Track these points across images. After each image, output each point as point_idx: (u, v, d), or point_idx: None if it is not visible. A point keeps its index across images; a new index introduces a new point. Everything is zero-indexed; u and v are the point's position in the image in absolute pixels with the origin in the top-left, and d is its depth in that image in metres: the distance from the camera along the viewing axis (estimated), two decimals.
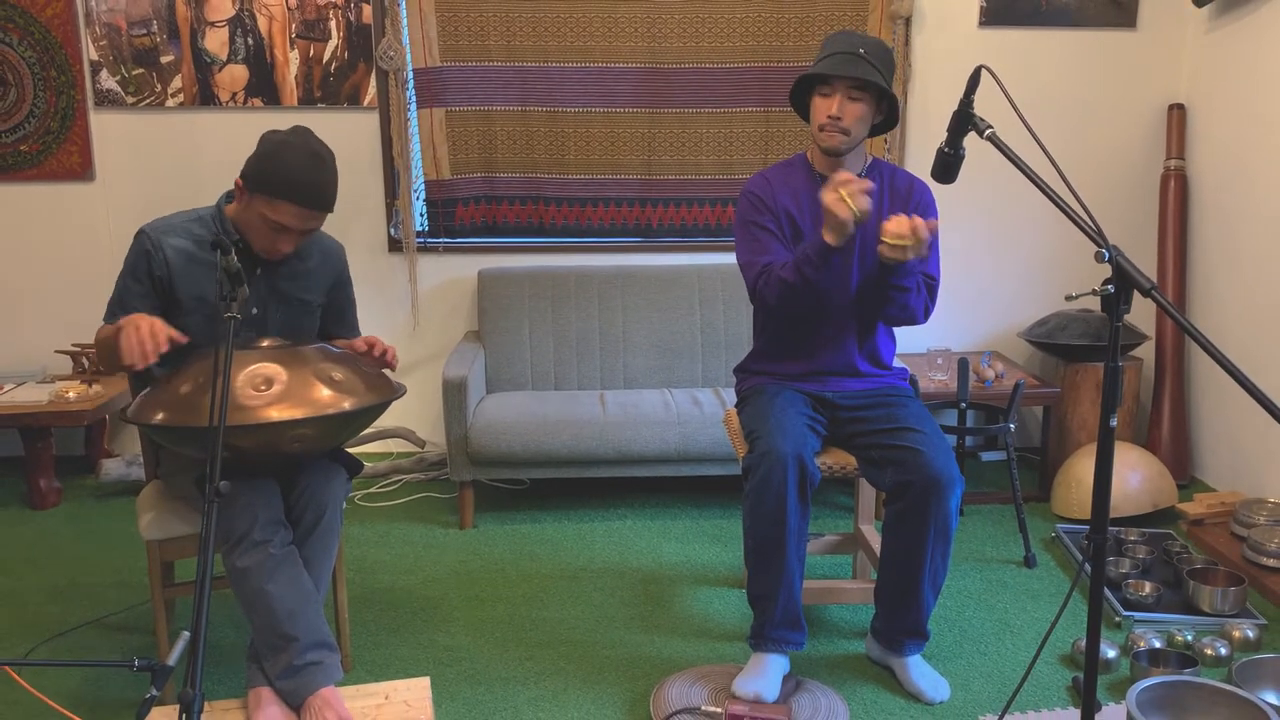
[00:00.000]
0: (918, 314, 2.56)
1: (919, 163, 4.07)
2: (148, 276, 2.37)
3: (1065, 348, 3.84)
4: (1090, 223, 1.78)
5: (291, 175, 2.24)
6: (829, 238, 2.34)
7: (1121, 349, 3.82)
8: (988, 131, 1.98)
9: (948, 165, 2.12)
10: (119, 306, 2.38)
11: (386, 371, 2.57)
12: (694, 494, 3.88)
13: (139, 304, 2.38)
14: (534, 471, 3.54)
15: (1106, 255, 1.75)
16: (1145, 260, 4.18)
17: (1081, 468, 3.62)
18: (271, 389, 2.19)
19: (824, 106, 2.47)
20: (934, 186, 3.89)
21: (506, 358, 3.94)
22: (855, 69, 2.40)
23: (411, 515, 3.69)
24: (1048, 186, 1.88)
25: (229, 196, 2.45)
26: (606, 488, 3.96)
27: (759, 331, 2.76)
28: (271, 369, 2.22)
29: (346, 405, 2.23)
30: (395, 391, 2.38)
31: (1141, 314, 4.19)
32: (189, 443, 2.22)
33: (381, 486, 3.97)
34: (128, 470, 3.85)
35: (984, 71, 2.01)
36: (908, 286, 2.47)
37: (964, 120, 2.04)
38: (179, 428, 2.15)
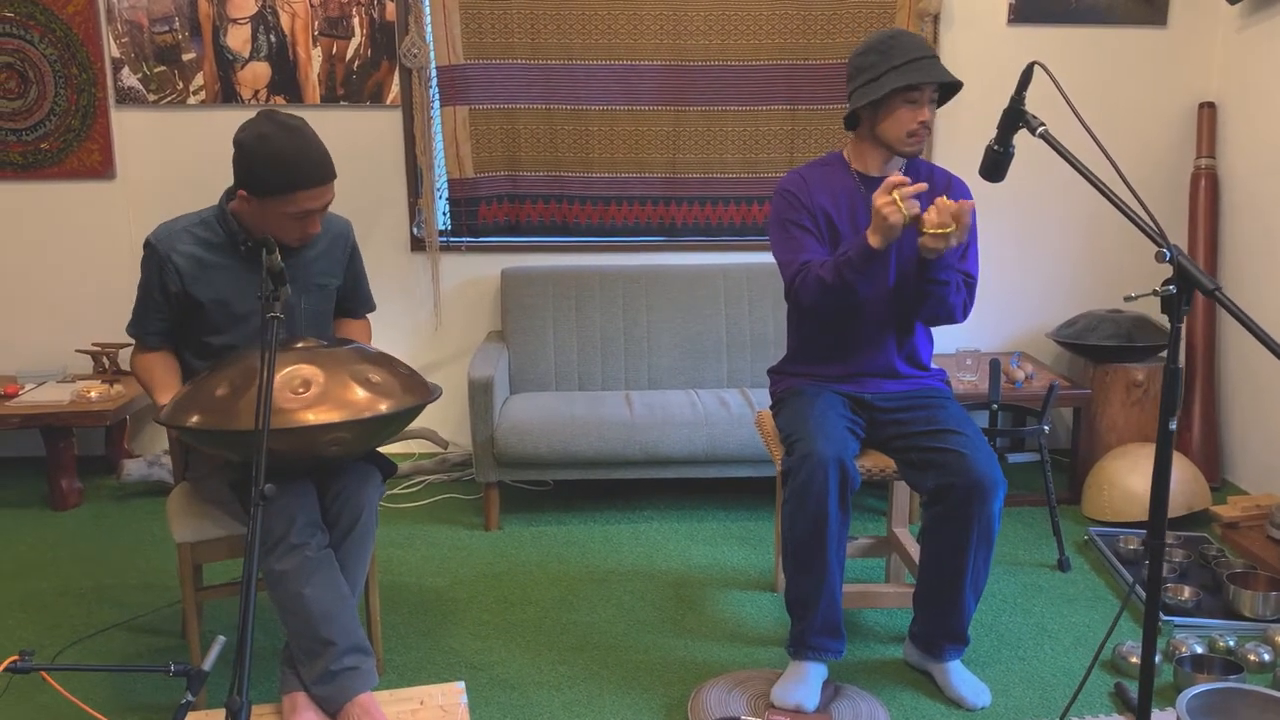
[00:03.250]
0: (956, 312, 2.52)
1: (945, 160, 4.03)
2: (161, 291, 2.37)
3: (1095, 348, 3.79)
4: (1151, 223, 1.75)
5: (289, 165, 2.20)
6: (874, 240, 2.31)
7: (1150, 350, 3.78)
8: (1040, 129, 1.95)
9: (997, 163, 2.09)
10: (140, 325, 2.42)
11: (420, 372, 2.55)
12: (720, 495, 3.85)
13: (157, 320, 2.38)
14: (560, 473, 3.51)
15: (1168, 255, 1.72)
16: None
17: (1113, 469, 3.58)
18: (309, 391, 2.16)
19: (914, 114, 2.42)
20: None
21: (530, 358, 3.90)
22: (945, 73, 2.39)
23: (436, 517, 3.66)
24: (1105, 185, 1.84)
25: (230, 194, 2.39)
26: (631, 489, 3.92)
27: (793, 333, 2.72)
28: (308, 370, 2.20)
29: (383, 407, 2.20)
30: (431, 393, 2.35)
31: None
32: (224, 445, 2.20)
33: (404, 488, 3.94)
34: (149, 471, 3.82)
35: (1037, 68, 1.97)
36: (946, 280, 2.44)
37: (1015, 117, 2.01)
38: (215, 431, 2.12)
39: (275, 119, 2.23)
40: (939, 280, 2.43)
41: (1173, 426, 1.78)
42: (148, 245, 2.35)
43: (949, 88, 2.48)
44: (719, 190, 4.06)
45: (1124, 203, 1.80)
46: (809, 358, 2.67)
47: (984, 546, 2.40)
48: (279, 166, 2.20)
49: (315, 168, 2.23)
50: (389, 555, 3.32)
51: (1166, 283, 1.72)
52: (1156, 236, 1.74)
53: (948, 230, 2.28)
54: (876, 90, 2.38)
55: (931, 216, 2.29)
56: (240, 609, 1.59)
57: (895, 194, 2.24)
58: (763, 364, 3.93)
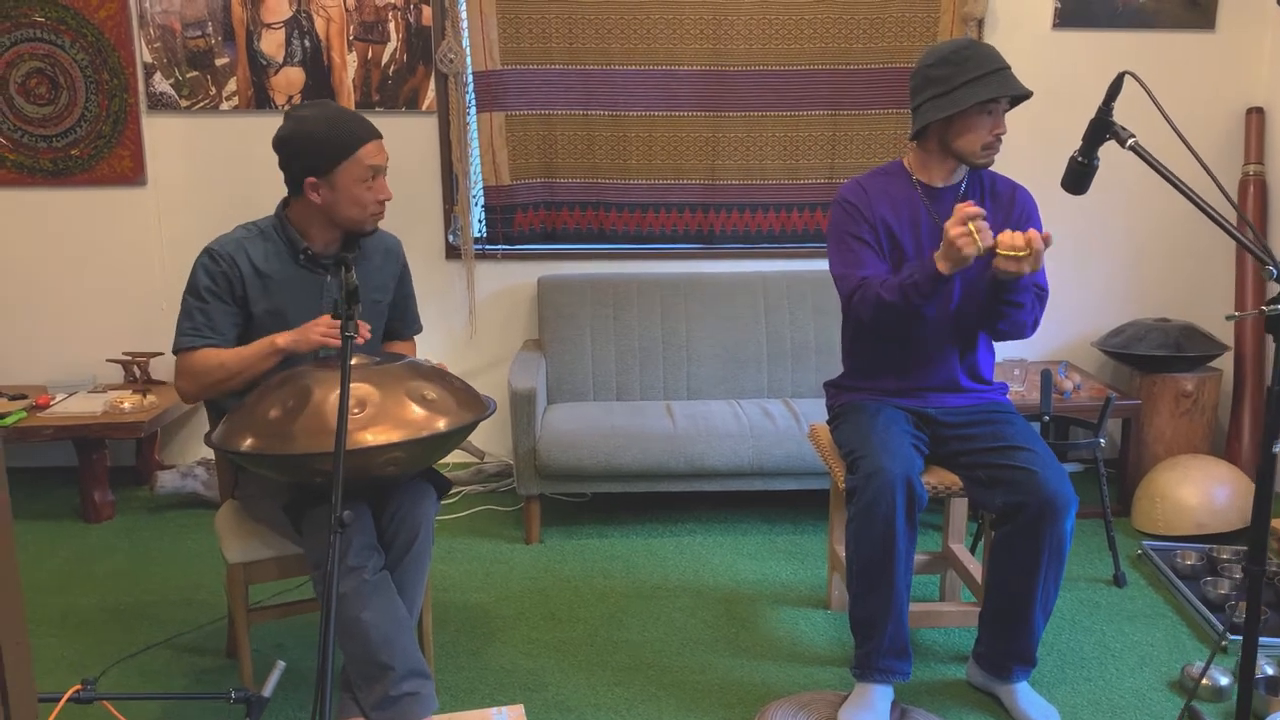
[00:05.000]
0: (1026, 328, 2.47)
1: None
2: (229, 294, 2.31)
3: (1142, 358, 3.73)
4: (1254, 238, 1.68)
5: (342, 126, 2.27)
6: (943, 268, 2.25)
7: (1200, 360, 3.72)
8: (1130, 141, 1.89)
9: (1081, 175, 2.04)
10: (207, 327, 2.31)
11: (472, 385, 2.50)
12: (762, 508, 3.78)
13: (225, 320, 2.32)
14: (602, 485, 3.45)
15: (1275, 272, 1.66)
16: (1224, 269, 4.08)
17: (1164, 482, 3.51)
18: (364, 411, 2.10)
19: (990, 124, 2.38)
20: None
21: (568, 367, 3.84)
22: (1020, 84, 2.34)
23: (475, 530, 3.60)
24: (1203, 201, 1.78)
25: (286, 203, 2.40)
26: (671, 501, 3.86)
27: (850, 345, 2.66)
28: (363, 389, 2.14)
29: (441, 425, 2.15)
30: (486, 408, 2.30)
31: (1220, 324, 4.07)
32: (278, 469, 2.14)
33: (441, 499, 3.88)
34: (183, 482, 3.77)
35: (1128, 77, 1.91)
36: (1021, 303, 2.38)
37: (1102, 128, 1.95)
38: (270, 455, 2.06)
39: (300, 107, 2.33)
40: (1014, 302, 2.38)
41: (1276, 449, 1.72)
42: (209, 252, 2.32)
43: (1012, 97, 2.42)
44: (758, 197, 4.00)
45: (1223, 218, 1.74)
46: (869, 372, 2.61)
47: (1055, 566, 2.34)
48: (333, 131, 2.26)
49: (363, 123, 2.31)
50: (431, 570, 3.26)
51: (1273, 301, 1.67)
52: (1261, 253, 1.68)
53: (1021, 254, 2.22)
54: (955, 104, 2.31)
55: (1006, 239, 2.23)
56: (319, 643, 1.53)
57: (970, 225, 2.18)
58: (804, 374, 3.86)
